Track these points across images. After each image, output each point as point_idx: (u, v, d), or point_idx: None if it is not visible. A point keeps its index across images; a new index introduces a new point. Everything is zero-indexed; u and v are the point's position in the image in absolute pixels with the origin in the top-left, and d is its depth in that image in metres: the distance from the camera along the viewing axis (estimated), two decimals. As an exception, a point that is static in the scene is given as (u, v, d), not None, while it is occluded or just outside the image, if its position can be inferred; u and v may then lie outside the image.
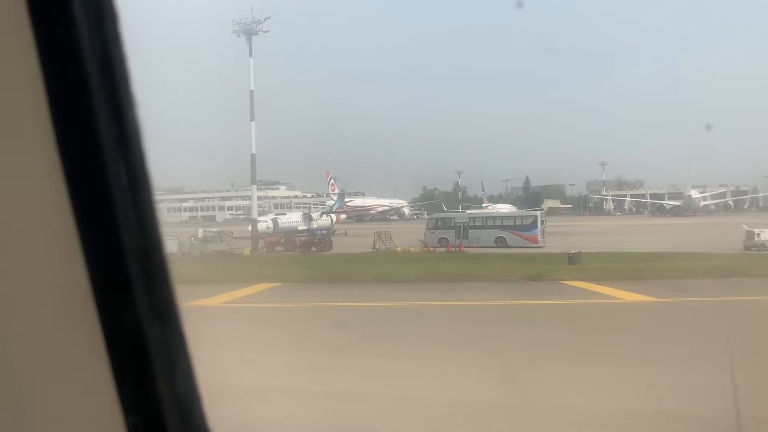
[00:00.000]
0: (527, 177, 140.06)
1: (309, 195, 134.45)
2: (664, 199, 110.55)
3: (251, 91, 49.08)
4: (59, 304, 1.52)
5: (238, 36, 49.06)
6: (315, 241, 48.21)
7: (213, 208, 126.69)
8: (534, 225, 44.35)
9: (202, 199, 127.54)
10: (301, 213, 69.00)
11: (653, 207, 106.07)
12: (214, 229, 68.09)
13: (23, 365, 1.52)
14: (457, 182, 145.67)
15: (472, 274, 26.55)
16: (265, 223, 65.81)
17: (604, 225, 74.96)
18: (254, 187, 51.58)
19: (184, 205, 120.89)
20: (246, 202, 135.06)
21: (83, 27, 1.45)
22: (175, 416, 1.63)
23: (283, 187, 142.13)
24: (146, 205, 1.61)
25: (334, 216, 73.33)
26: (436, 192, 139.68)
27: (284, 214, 69.16)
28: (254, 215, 52.60)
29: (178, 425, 1.64)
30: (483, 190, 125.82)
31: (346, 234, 62.41)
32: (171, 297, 1.68)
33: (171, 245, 48.35)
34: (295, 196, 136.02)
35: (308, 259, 37.61)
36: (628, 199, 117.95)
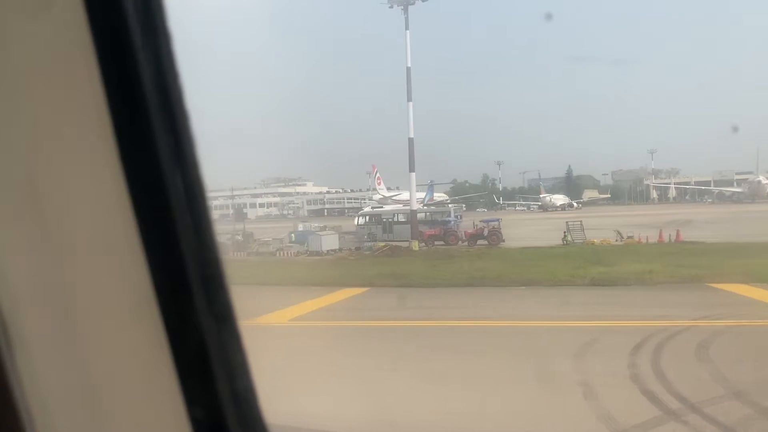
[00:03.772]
0: (569, 167, 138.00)
1: (342, 190, 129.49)
2: (709, 186, 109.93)
3: (408, 68, 44.19)
4: (126, 308, 1.64)
5: (391, 7, 44.18)
6: (484, 234, 43.85)
7: (245, 205, 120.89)
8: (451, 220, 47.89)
9: (232, 197, 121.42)
10: (401, 206, 64.57)
11: (712, 194, 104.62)
12: (316, 224, 63.50)
13: (95, 363, 1.66)
14: (485, 174, 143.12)
15: None
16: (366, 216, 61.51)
17: (692, 213, 72.62)
18: (413, 175, 46.58)
19: (215, 203, 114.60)
20: (277, 199, 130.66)
21: (141, 52, 1.56)
22: (234, 410, 1.75)
23: (310, 183, 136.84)
24: (202, 213, 1.70)
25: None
26: (467, 184, 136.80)
27: (381, 207, 64.70)
28: (414, 206, 47.64)
29: (236, 416, 1.75)
30: (540, 180, 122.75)
31: None
32: (227, 298, 1.76)
33: (333, 240, 43.41)
34: (327, 192, 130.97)
35: (534, 254, 32.90)
36: (672, 186, 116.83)
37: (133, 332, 1.64)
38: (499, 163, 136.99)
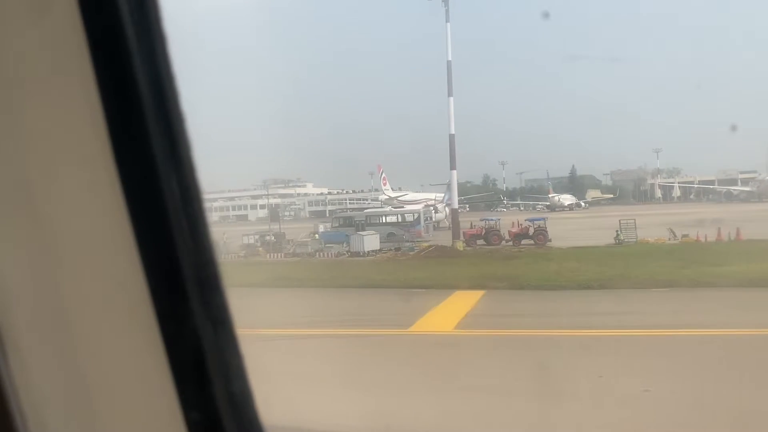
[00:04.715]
0: (573, 167, 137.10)
1: (343, 191, 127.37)
2: (713, 186, 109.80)
3: (448, 62, 42.46)
4: (122, 310, 1.62)
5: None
6: (530, 234, 42.11)
7: (245, 207, 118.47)
8: (418, 221, 49.30)
9: (232, 198, 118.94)
10: (423, 205, 63.27)
11: (718, 193, 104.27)
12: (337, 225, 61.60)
13: (92, 368, 1.64)
14: (486, 175, 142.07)
15: None
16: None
17: (712, 212, 71.59)
18: (454, 173, 44.88)
19: (215, 204, 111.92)
20: (278, 201, 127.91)
21: (137, 55, 1.54)
22: (231, 412, 1.72)
23: (310, 184, 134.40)
24: (198, 216, 1.68)
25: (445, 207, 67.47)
26: (468, 185, 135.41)
27: (402, 207, 63.32)
28: (455, 205, 45.84)
29: (233, 420, 1.73)
30: (549, 180, 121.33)
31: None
32: (224, 301, 1.74)
33: (375, 241, 41.35)
34: (329, 193, 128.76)
35: (605, 254, 31.02)
36: (677, 185, 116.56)
37: (128, 335, 1.61)
38: (503, 164, 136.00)
